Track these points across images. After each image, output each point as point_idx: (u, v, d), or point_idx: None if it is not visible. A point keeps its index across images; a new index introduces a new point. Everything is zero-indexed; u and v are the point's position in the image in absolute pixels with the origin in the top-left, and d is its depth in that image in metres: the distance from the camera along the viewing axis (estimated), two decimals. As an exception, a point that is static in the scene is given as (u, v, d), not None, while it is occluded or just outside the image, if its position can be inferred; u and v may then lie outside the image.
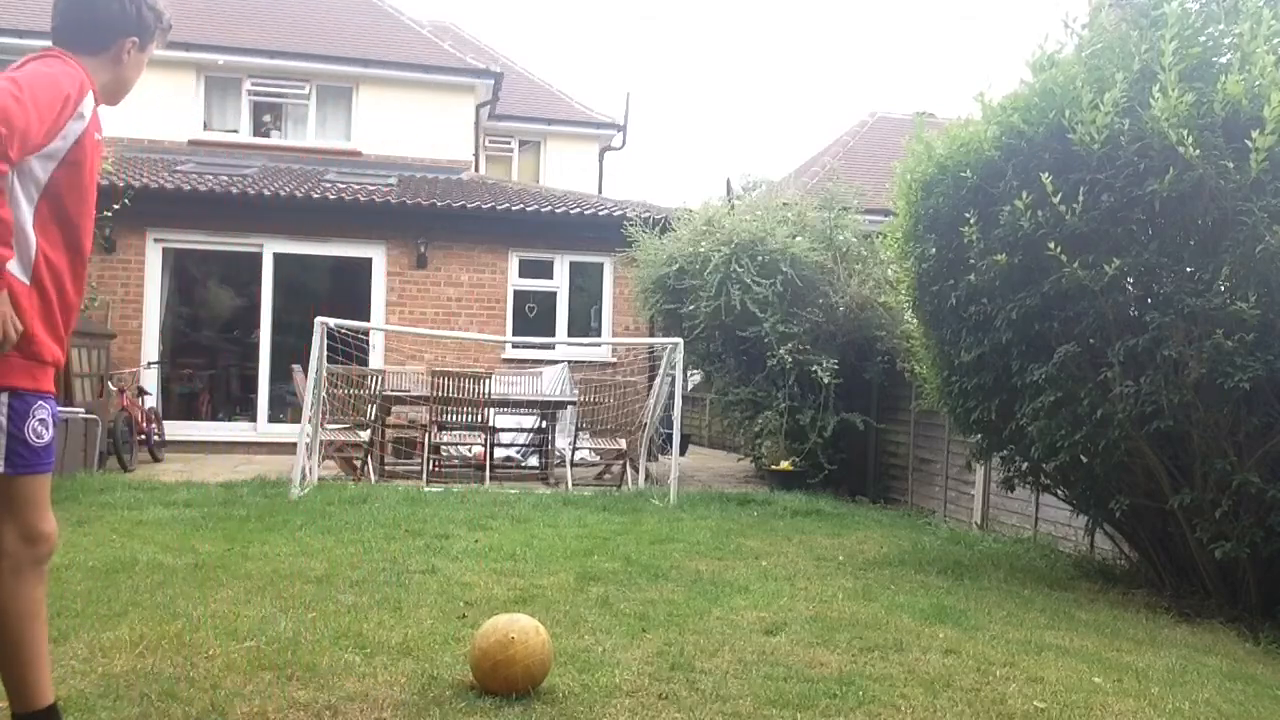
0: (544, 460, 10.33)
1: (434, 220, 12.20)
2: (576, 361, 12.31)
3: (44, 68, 2.19)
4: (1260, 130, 4.37)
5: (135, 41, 2.43)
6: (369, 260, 12.47)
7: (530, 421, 10.49)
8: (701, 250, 10.11)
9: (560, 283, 12.99)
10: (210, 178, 12.15)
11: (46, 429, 2.24)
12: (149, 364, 11.75)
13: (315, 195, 11.85)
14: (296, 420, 9.53)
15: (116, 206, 10.61)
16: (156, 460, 10.35)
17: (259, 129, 14.44)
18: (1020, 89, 5.45)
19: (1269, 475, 4.73)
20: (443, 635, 3.84)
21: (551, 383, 11.61)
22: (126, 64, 2.44)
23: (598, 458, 10.26)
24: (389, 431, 9.97)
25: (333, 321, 8.75)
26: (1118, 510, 5.32)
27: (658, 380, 9.94)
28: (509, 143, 17.90)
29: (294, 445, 8.43)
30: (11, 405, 2.17)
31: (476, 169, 15.33)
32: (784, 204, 10.95)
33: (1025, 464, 6.02)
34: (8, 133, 1.99)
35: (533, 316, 12.91)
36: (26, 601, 2.25)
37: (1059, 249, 4.93)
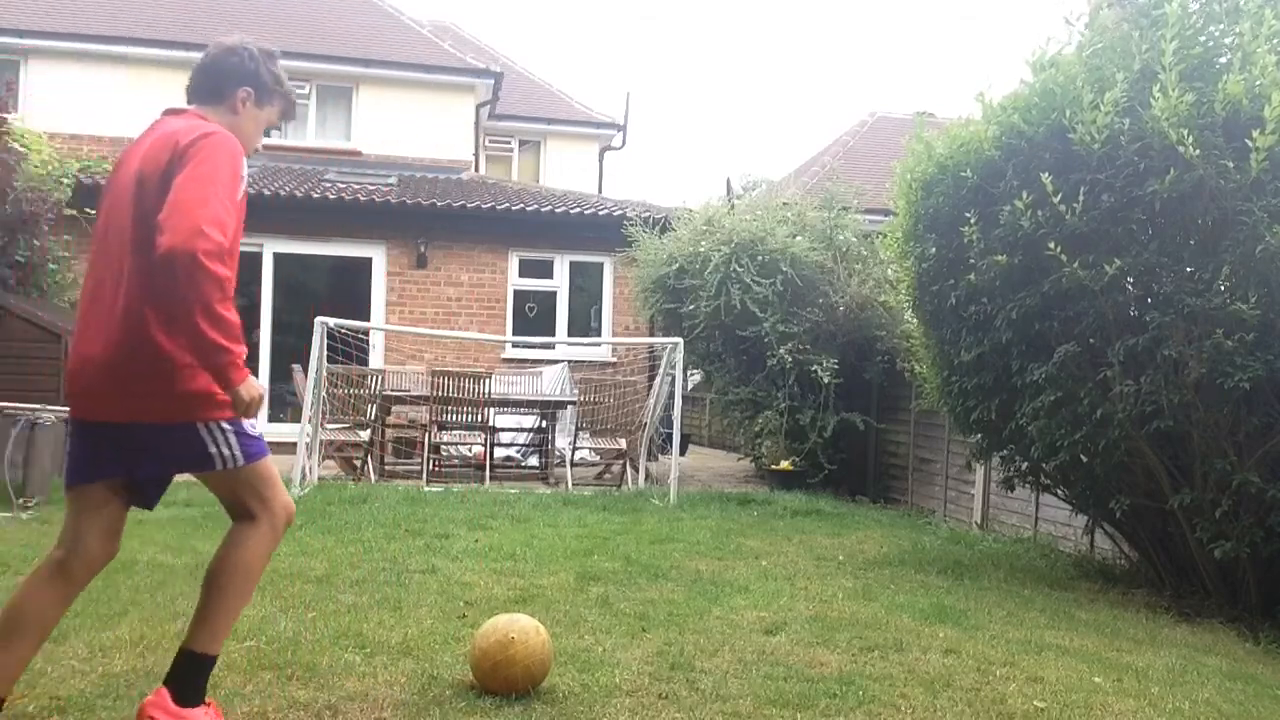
0: (544, 460, 10.33)
1: (434, 220, 12.20)
2: (576, 361, 12.31)
3: (222, 157, 2.44)
4: (1261, 130, 4.37)
5: (250, 93, 2.68)
6: (369, 260, 12.47)
7: (530, 421, 10.49)
8: (701, 250, 10.11)
9: (560, 282, 12.99)
10: (210, 177, 12.13)
11: (254, 420, 2.63)
12: (149, 364, 11.74)
13: (315, 195, 11.84)
14: (296, 420, 9.52)
15: (116, 206, 10.63)
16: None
17: (259, 129, 14.42)
18: (1020, 89, 5.45)
19: (1269, 475, 4.73)
20: (443, 635, 3.84)
21: (551, 382, 11.61)
22: (242, 115, 2.68)
23: (598, 457, 10.26)
24: (389, 431, 9.97)
25: (333, 321, 8.75)
26: (1118, 510, 5.32)
27: (658, 380, 9.94)
28: (509, 143, 17.89)
29: (294, 445, 8.42)
30: (222, 421, 2.54)
31: (476, 169, 15.33)
32: (784, 204, 10.95)
33: (1025, 464, 6.02)
34: (226, 241, 2.33)
35: (533, 316, 12.91)
36: (264, 564, 2.68)
37: (1059, 249, 4.92)
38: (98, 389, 2.49)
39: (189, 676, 2.58)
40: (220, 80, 2.65)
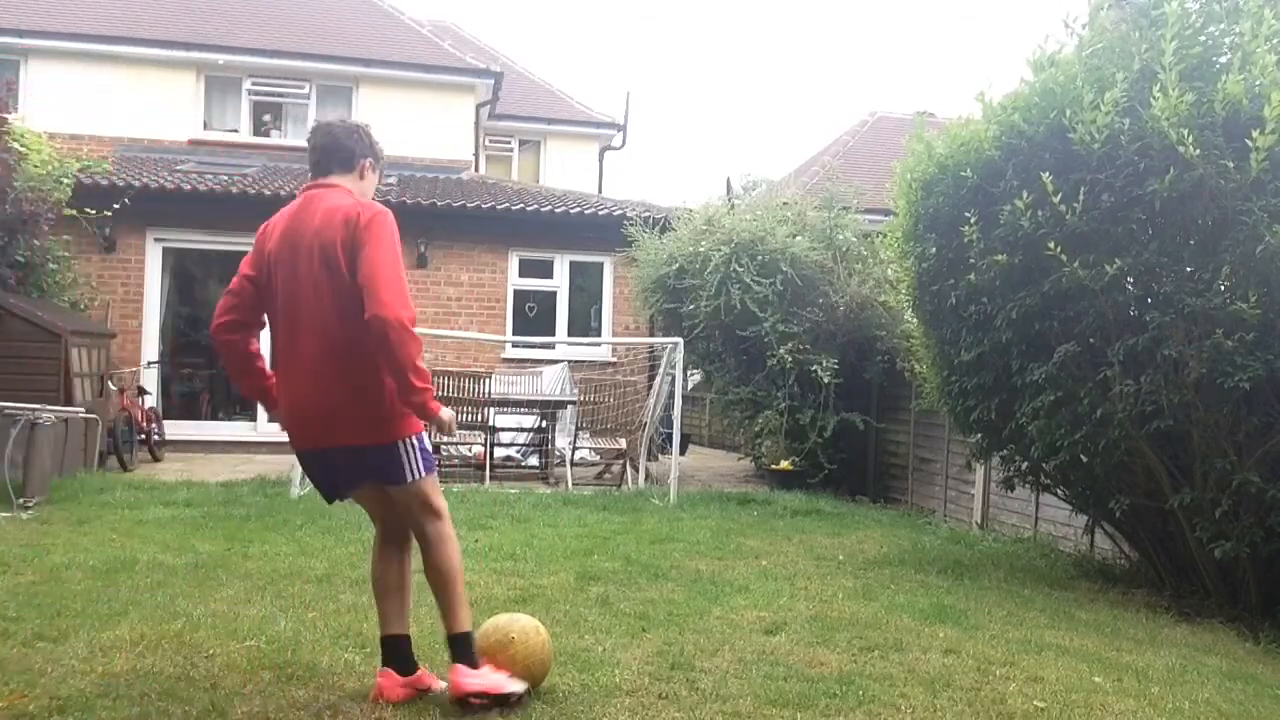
0: (544, 460, 10.33)
1: (434, 220, 12.20)
2: (576, 361, 12.31)
3: (393, 232, 3.04)
4: (1260, 130, 4.37)
5: (370, 162, 3.30)
6: (369, 260, 12.43)
7: (530, 421, 10.49)
8: (701, 250, 10.11)
9: (560, 282, 12.99)
10: (210, 177, 12.14)
11: (427, 439, 3.21)
12: (149, 363, 11.75)
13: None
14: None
15: (116, 206, 10.63)
16: (156, 460, 10.34)
17: (259, 129, 14.43)
18: (1021, 88, 5.45)
19: (1269, 475, 4.73)
20: (443, 635, 3.83)
21: (551, 382, 11.61)
22: (366, 180, 3.29)
23: (598, 457, 10.26)
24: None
25: (333, 321, 8.73)
26: (1118, 510, 5.32)
27: (658, 380, 9.93)
28: (509, 142, 17.89)
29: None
30: (419, 438, 3.13)
31: (476, 169, 15.32)
32: (784, 204, 10.94)
33: (1025, 463, 6.02)
34: (411, 319, 2.92)
35: (533, 316, 12.91)
36: (456, 556, 3.23)
37: (1059, 249, 4.92)
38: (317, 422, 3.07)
39: (464, 649, 3.13)
40: (349, 154, 3.24)
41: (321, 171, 3.22)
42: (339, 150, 3.24)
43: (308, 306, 3.02)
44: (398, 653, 3.19)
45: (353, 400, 3.00)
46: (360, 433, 3.03)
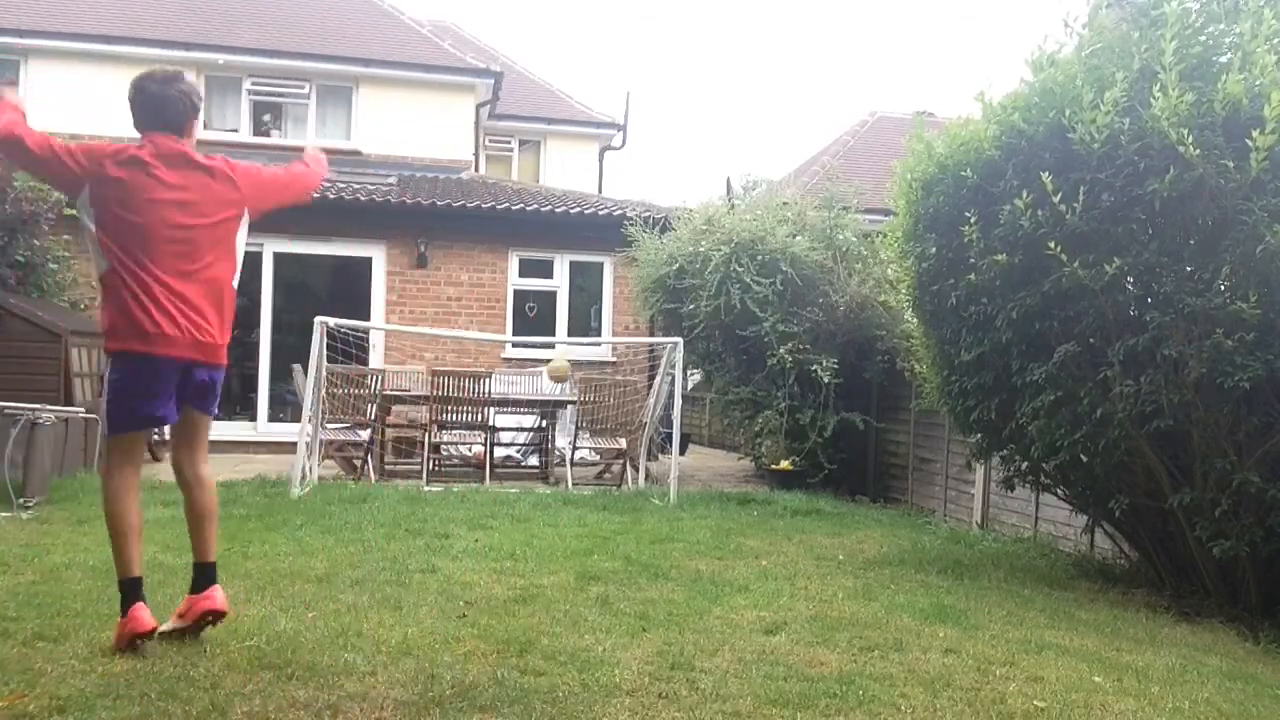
0: (544, 460, 10.33)
1: (434, 220, 12.20)
2: (577, 361, 12.30)
3: None
4: (1261, 129, 4.37)
5: (196, 120, 3.74)
6: (369, 260, 12.46)
7: (530, 421, 10.49)
8: (701, 250, 10.11)
9: (560, 282, 13.00)
10: (210, 177, 12.14)
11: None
12: (149, 364, 11.73)
13: (315, 195, 11.78)
14: (296, 420, 9.53)
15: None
16: (156, 460, 10.31)
17: (259, 129, 14.43)
18: (1020, 88, 5.44)
19: (1269, 475, 4.73)
20: (443, 635, 3.84)
21: (551, 382, 11.60)
22: (194, 136, 3.73)
23: (598, 457, 10.26)
24: (389, 431, 9.97)
25: (332, 321, 8.75)
26: (1117, 510, 5.32)
27: (658, 380, 9.94)
28: (509, 142, 17.89)
29: (294, 445, 8.42)
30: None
31: (476, 169, 15.32)
32: (784, 203, 10.94)
33: (1025, 463, 6.02)
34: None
35: (533, 316, 12.91)
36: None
37: (1059, 248, 4.92)
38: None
39: (215, 573, 3.65)
40: (182, 121, 3.65)
41: (164, 131, 3.58)
42: (170, 115, 3.61)
43: (200, 239, 3.55)
44: (139, 592, 3.50)
45: (225, 323, 3.66)
46: (222, 354, 3.69)
